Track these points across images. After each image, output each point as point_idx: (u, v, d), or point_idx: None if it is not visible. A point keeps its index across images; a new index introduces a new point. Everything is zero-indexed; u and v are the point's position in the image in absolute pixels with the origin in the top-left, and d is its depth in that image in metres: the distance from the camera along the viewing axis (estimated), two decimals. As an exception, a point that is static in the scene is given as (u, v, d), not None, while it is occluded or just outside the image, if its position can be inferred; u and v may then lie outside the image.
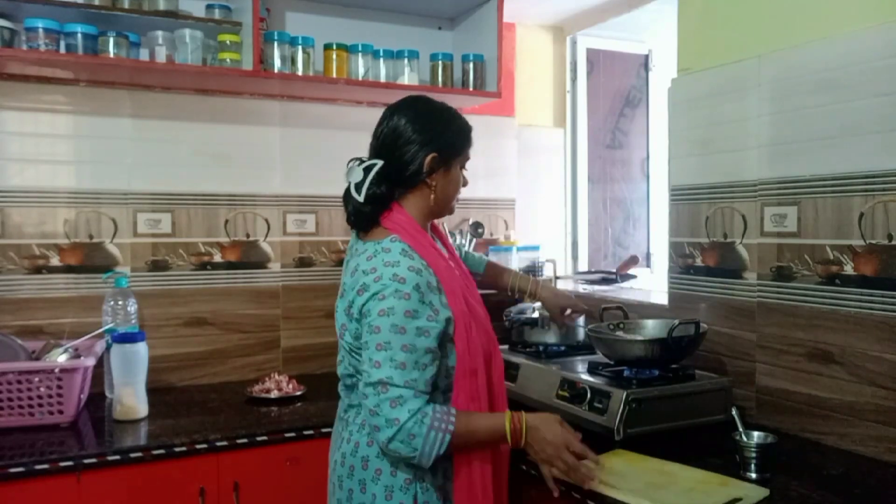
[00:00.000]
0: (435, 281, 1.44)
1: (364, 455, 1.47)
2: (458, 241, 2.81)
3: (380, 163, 1.50)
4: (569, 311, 2.10)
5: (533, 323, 2.30)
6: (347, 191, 1.52)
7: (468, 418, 1.42)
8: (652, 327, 2.11)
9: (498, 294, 2.18)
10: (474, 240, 2.87)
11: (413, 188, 1.53)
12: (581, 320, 2.26)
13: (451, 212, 1.62)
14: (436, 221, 1.66)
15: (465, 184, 1.62)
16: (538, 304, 2.22)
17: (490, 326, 1.58)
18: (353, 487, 1.48)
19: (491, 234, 3.01)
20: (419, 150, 1.49)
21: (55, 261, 2.33)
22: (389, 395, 1.35)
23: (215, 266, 2.54)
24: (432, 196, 1.53)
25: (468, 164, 1.64)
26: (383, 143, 1.53)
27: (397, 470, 1.45)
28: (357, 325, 1.45)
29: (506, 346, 2.30)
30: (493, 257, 2.84)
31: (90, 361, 2.01)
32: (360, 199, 1.48)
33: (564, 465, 1.45)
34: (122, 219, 2.41)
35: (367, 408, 1.39)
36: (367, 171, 1.49)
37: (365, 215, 1.51)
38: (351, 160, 1.55)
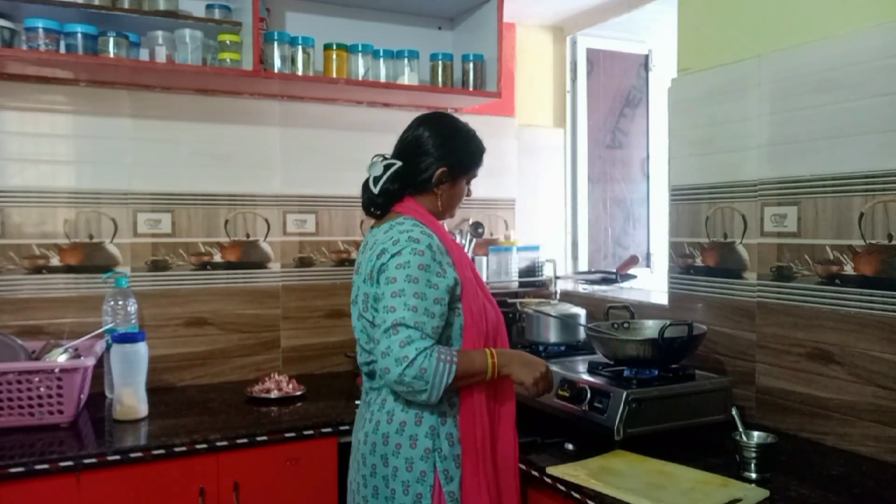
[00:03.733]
0: (445, 247, 1.61)
1: (385, 432, 1.57)
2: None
3: (399, 164, 1.67)
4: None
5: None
6: (367, 181, 1.69)
7: (466, 353, 1.57)
8: (650, 327, 2.11)
9: (497, 295, 2.18)
10: (474, 240, 2.86)
11: (422, 192, 1.70)
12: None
13: (451, 216, 1.81)
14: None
15: (468, 194, 1.79)
16: None
17: (498, 309, 1.71)
18: (375, 462, 1.58)
19: (491, 234, 3.01)
20: (433, 162, 1.67)
21: (55, 261, 2.33)
22: (399, 337, 1.47)
23: (215, 266, 2.54)
24: (439, 203, 1.71)
25: (474, 182, 1.80)
26: (405, 148, 1.71)
27: (416, 442, 1.55)
28: (376, 288, 1.57)
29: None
30: (493, 257, 2.84)
31: (90, 361, 2.01)
32: (376, 191, 1.67)
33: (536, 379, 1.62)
34: (122, 219, 2.41)
35: (380, 351, 1.50)
36: (387, 168, 1.67)
37: (377, 205, 1.69)
38: (375, 155, 1.71)
